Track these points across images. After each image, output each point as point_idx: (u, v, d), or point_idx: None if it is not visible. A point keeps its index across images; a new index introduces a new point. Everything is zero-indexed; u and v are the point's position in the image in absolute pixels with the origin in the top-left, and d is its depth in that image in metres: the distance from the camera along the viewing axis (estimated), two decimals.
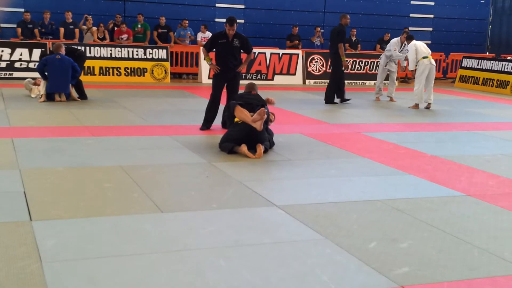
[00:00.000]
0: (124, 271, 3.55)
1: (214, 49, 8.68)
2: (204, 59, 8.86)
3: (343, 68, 12.13)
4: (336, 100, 12.20)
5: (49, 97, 10.72)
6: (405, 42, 12.78)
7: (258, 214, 4.77)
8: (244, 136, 6.93)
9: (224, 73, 8.51)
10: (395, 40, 13.28)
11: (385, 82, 13.58)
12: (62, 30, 15.42)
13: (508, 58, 17.20)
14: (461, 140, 8.60)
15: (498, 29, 21.63)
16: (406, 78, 17.90)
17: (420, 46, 11.87)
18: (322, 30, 18.35)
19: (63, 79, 10.72)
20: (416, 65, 11.92)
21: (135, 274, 3.51)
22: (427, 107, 11.92)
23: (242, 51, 8.69)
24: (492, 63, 16.77)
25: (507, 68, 16.18)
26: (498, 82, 16.32)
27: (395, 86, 13.35)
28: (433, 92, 12.01)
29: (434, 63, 11.89)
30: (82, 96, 11.23)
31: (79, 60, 11.31)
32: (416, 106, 11.91)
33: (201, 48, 9.32)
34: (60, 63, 10.66)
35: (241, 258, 3.81)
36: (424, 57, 11.75)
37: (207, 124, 8.55)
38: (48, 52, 12.60)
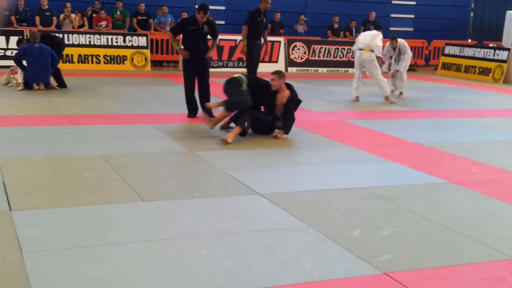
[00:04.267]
0: (106, 260, 3.51)
1: (181, 35, 8.64)
2: (172, 44, 8.81)
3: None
4: None
5: (28, 85, 10.56)
6: (397, 46, 11.75)
7: (241, 203, 4.74)
8: None
9: (195, 58, 8.43)
10: (387, 47, 11.97)
11: None
12: (38, 18, 15.16)
13: (490, 45, 17.29)
14: (444, 127, 8.63)
15: (480, 16, 21.73)
16: (415, 66, 18.01)
17: (360, 38, 11.08)
18: (305, 18, 18.28)
19: (43, 68, 10.57)
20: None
21: (116, 264, 3.47)
22: (395, 100, 11.11)
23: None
24: (474, 50, 16.84)
25: (489, 55, 16.27)
26: (480, 69, 16.41)
27: (403, 80, 11.92)
28: (384, 85, 10.92)
29: (365, 56, 10.78)
30: (61, 84, 11.08)
31: (57, 48, 11.15)
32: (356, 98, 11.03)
33: (168, 32, 9.18)
34: (39, 52, 10.49)
35: (223, 247, 3.78)
36: (359, 49, 10.94)
37: (193, 112, 8.52)
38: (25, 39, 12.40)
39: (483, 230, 4.30)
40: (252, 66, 10.94)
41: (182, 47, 8.53)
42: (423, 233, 4.17)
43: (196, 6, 8.68)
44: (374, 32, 11.22)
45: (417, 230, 4.23)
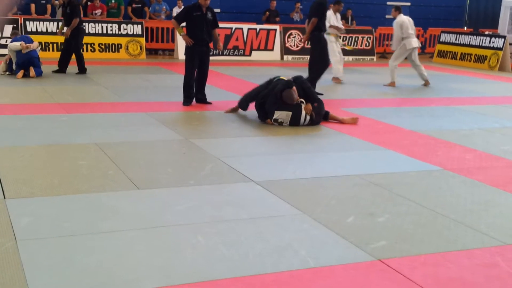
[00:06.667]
0: (101, 248, 3.51)
1: (184, 23, 8.60)
2: (177, 30, 8.79)
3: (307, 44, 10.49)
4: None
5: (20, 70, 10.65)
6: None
7: (236, 190, 4.74)
8: None
9: (199, 46, 8.43)
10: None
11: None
12: (33, 6, 15.07)
13: (486, 33, 17.26)
14: (439, 114, 8.63)
15: (476, 4, 21.67)
16: (385, 53, 17.93)
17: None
18: (301, 6, 18.20)
19: (26, 38, 11.07)
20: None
21: (111, 252, 3.47)
22: None
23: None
24: (470, 38, 16.82)
25: (484, 43, 16.25)
26: (476, 57, 16.40)
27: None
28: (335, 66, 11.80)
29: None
30: (62, 69, 11.39)
31: (78, 35, 11.51)
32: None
33: (172, 20, 9.16)
34: (25, 38, 11.12)
35: (218, 234, 3.78)
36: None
37: (189, 100, 8.49)
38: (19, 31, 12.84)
39: (478, 217, 4.31)
40: (323, 63, 10.07)
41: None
42: (417, 220, 4.18)
43: None
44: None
45: (411, 217, 4.24)
